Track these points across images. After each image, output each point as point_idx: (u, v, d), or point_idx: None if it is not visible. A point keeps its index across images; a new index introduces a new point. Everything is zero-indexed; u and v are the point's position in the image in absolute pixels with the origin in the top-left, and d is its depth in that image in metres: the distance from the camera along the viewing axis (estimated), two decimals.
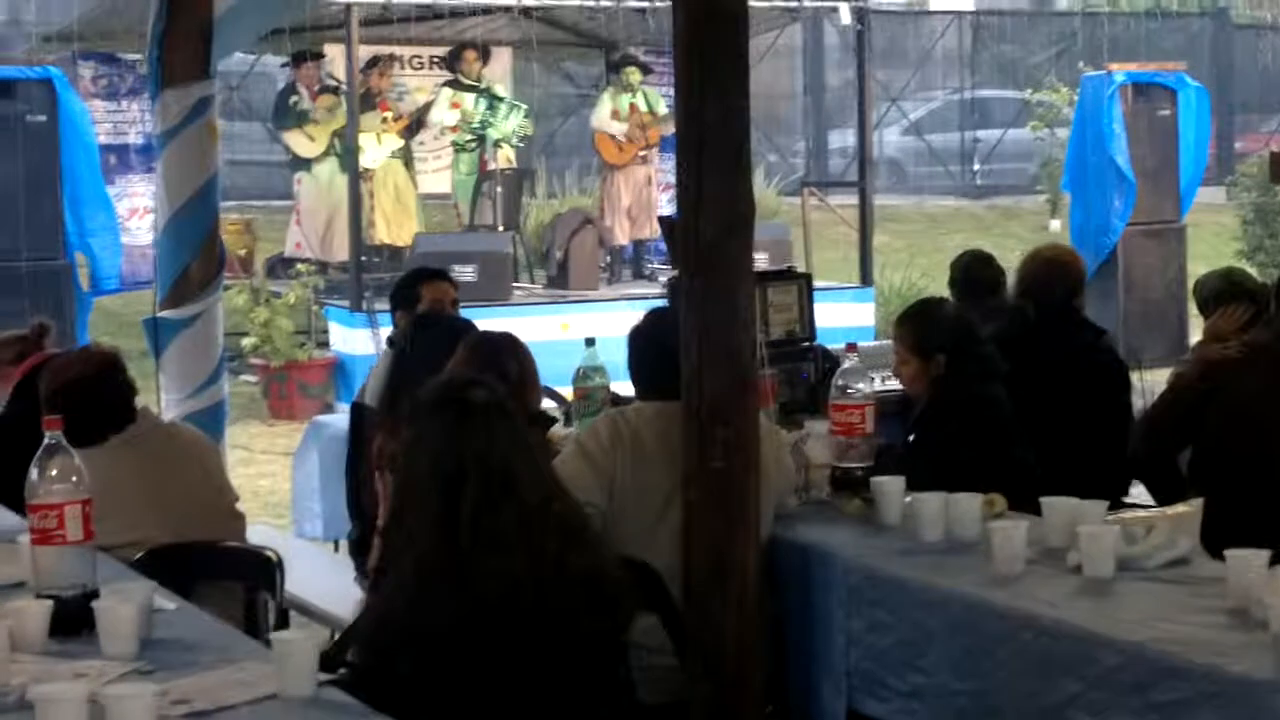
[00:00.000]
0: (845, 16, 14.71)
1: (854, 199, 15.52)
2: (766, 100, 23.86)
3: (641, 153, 15.12)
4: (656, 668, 4.46)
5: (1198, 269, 7.63)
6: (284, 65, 15.89)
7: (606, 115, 15.40)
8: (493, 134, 14.92)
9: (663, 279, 13.55)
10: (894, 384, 6.03)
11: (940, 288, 7.19)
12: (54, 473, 3.63)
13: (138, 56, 12.15)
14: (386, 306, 12.30)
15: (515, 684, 3.38)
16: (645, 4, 14.42)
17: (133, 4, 11.99)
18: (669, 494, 4.59)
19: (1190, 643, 3.63)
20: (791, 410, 5.99)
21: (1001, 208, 23.23)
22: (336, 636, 5.16)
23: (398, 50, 15.88)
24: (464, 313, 6.96)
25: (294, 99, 15.06)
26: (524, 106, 15.49)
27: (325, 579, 6.46)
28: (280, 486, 9.75)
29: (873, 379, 6.62)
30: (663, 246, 14.79)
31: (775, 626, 4.73)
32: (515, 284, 14.06)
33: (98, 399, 4.95)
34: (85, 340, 11.75)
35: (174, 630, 3.70)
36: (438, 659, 3.36)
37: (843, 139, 23.48)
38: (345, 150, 14.14)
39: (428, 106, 15.32)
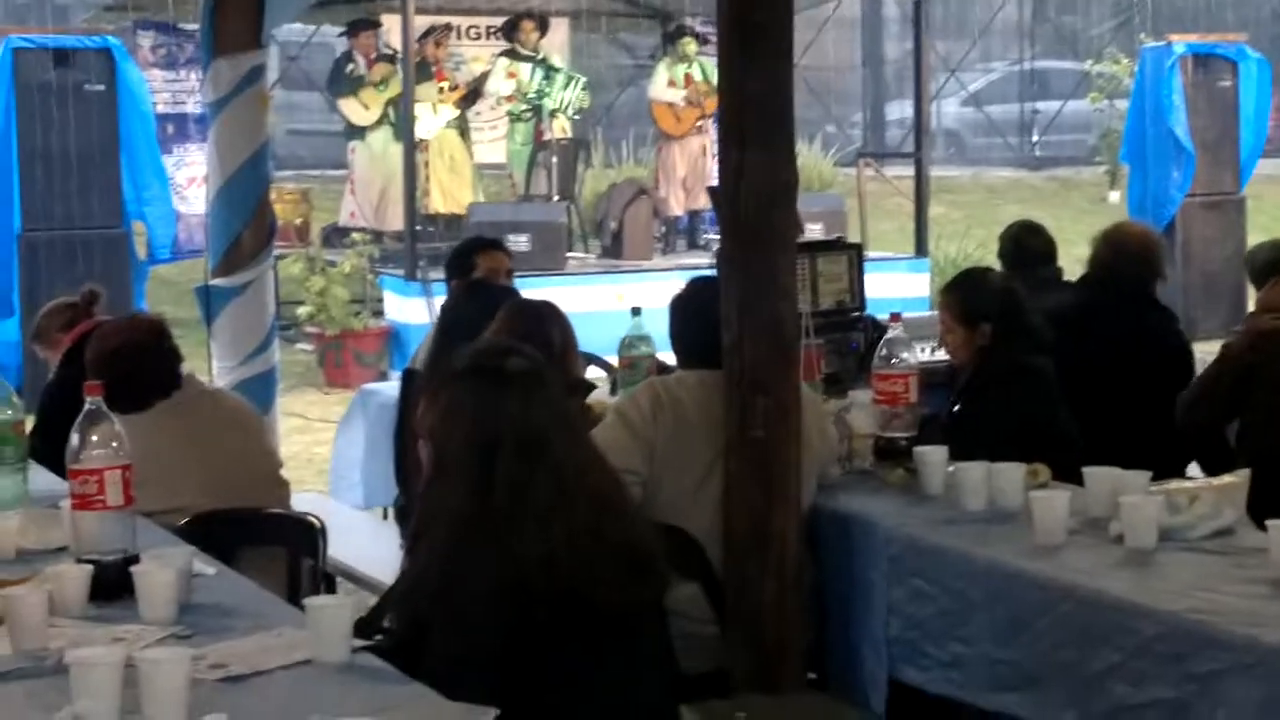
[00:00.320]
0: None
1: (911, 170, 15.46)
2: (825, 71, 23.78)
3: (698, 123, 15.09)
4: (696, 636, 4.46)
5: (1257, 241, 7.56)
6: (341, 34, 15.93)
7: (663, 85, 15.39)
8: (548, 104, 14.92)
9: (716, 249, 13.52)
10: (943, 354, 6.00)
11: (996, 259, 7.15)
12: (94, 438, 3.64)
13: (196, 26, 12.20)
14: (441, 275, 12.44)
15: (550, 652, 3.38)
16: None
17: None
18: (710, 463, 4.59)
19: (1229, 613, 3.60)
20: (840, 380, 5.97)
21: (1060, 179, 23.08)
22: None
23: (454, 20, 15.89)
24: (517, 282, 6.98)
25: (350, 66, 15.11)
26: (582, 79, 15.46)
27: (373, 546, 6.49)
28: None
29: (922, 349, 6.63)
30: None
31: (816, 595, 4.73)
32: (569, 254, 14.06)
33: (142, 365, 4.98)
34: (143, 308, 11.85)
35: (213, 595, 3.72)
36: (472, 626, 3.36)
37: (901, 110, 23.35)
38: (399, 119, 14.17)
39: (484, 76, 15.33)
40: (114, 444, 3.65)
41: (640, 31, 19.10)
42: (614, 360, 6.34)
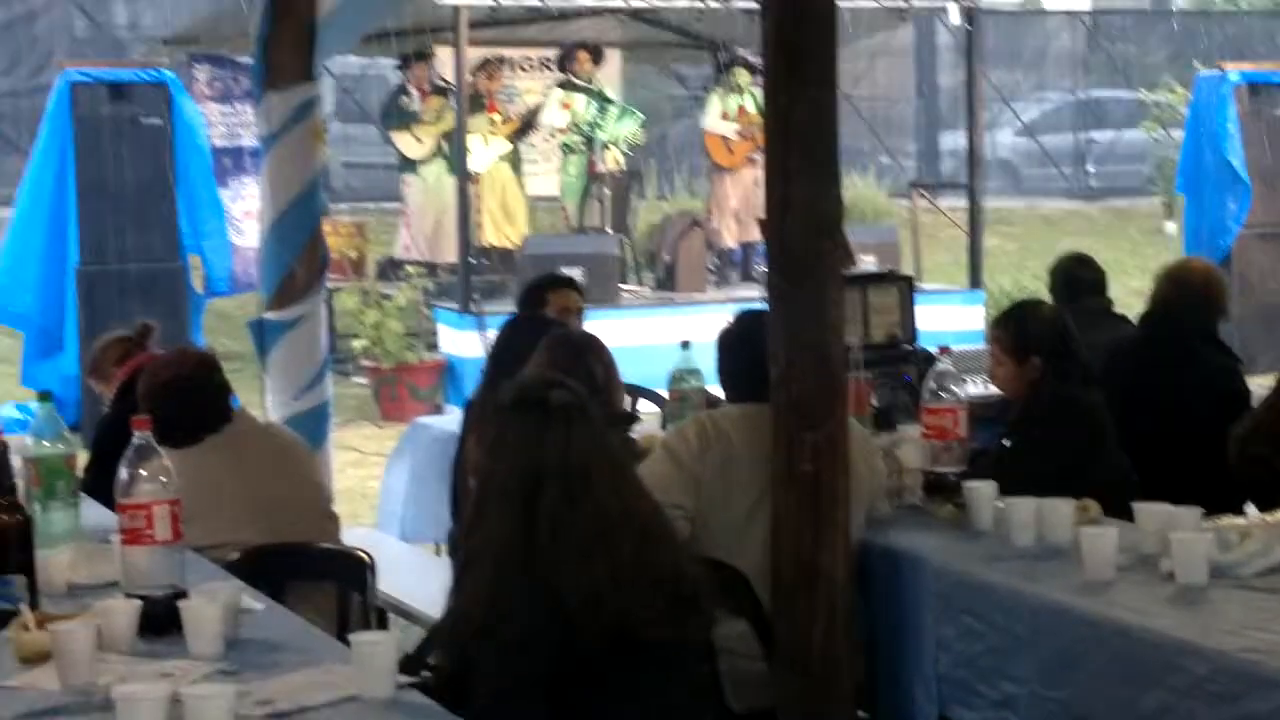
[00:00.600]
0: (954, 16, 14.62)
1: (965, 201, 15.42)
2: (877, 102, 23.77)
3: (751, 155, 15.08)
4: (744, 672, 4.45)
5: None
6: (397, 67, 16.02)
7: (716, 116, 15.39)
8: (601, 136, 14.94)
9: None
10: (995, 388, 5.97)
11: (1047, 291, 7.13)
12: (143, 473, 3.66)
13: (250, 59, 12.31)
14: (495, 308, 12.47)
15: (594, 687, 3.38)
16: (754, 5, 14.38)
17: (248, 7, 12.15)
18: (758, 498, 4.58)
19: None
20: (891, 414, 5.95)
21: (1116, 210, 22.98)
22: None
23: (507, 52, 15.95)
24: None
25: (403, 99, 15.17)
26: (639, 115, 15.48)
27: (425, 580, 6.49)
28: None
29: (974, 383, 6.60)
30: None
31: (865, 632, 4.71)
32: (623, 286, 14.06)
33: (192, 400, 5.01)
34: (200, 341, 11.91)
35: (260, 631, 3.73)
36: (517, 660, 3.36)
37: (955, 140, 23.31)
38: (453, 152, 14.22)
39: (538, 108, 15.37)
40: (162, 478, 3.67)
41: (693, 62, 19.13)
42: (666, 393, 6.34)
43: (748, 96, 15.07)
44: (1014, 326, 5.43)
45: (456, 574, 3.56)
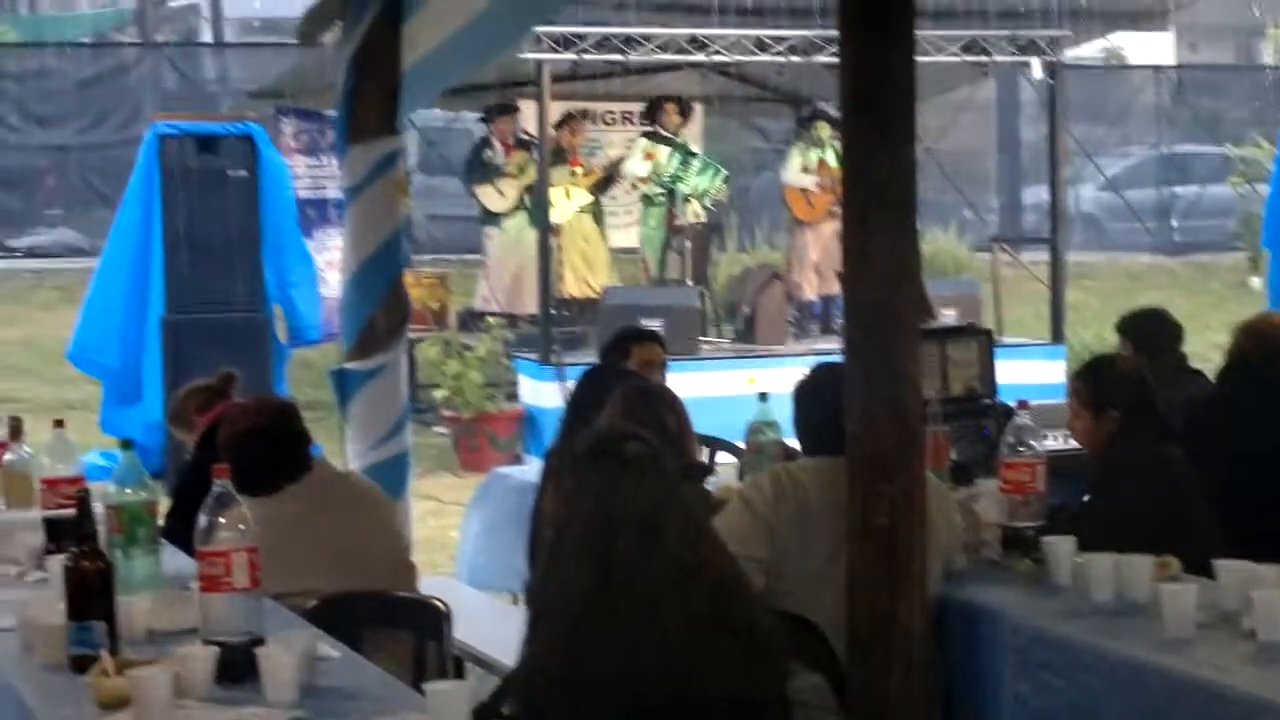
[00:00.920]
0: (1037, 71, 14.59)
1: (1047, 255, 15.35)
2: (960, 156, 23.72)
3: (831, 208, 15.07)
4: None
5: None
6: (480, 119, 16.13)
7: (796, 170, 15.41)
8: (682, 189, 14.98)
9: None
10: (1075, 442, 5.94)
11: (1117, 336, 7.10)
12: (222, 520, 3.70)
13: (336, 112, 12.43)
14: (575, 359, 12.51)
15: None
16: (835, 59, 14.39)
17: (334, 61, 12.28)
18: (833, 551, 4.57)
19: None
20: (969, 468, 5.92)
21: (1199, 264, 22.83)
22: None
23: (590, 105, 16.05)
24: None
25: (487, 153, 15.26)
26: (722, 171, 15.51)
27: (502, 629, 6.49)
28: None
29: (1054, 437, 6.56)
30: None
31: (941, 686, 4.68)
32: (703, 338, 14.08)
33: (272, 449, 5.05)
34: (283, 391, 12.00)
35: (336, 679, 3.75)
36: (591, 711, 3.37)
37: (1038, 195, 23.22)
38: (534, 205, 14.30)
39: (620, 160, 15.45)
40: (241, 526, 3.71)
41: (775, 116, 19.16)
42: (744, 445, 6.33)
43: (829, 150, 15.07)
44: (1092, 379, 5.41)
45: (530, 623, 3.56)
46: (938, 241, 20.21)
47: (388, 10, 7.09)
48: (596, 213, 15.36)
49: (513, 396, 13.77)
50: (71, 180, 21.39)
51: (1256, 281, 19.66)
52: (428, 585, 5.78)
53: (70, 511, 4.08)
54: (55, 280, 19.54)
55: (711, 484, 5.89)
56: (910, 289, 4.52)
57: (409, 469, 7.59)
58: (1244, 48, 33.67)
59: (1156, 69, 25.46)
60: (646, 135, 15.38)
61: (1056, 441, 6.58)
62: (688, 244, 14.78)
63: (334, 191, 13.63)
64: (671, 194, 15.04)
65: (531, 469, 7.37)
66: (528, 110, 15.10)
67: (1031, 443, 4.98)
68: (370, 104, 7.27)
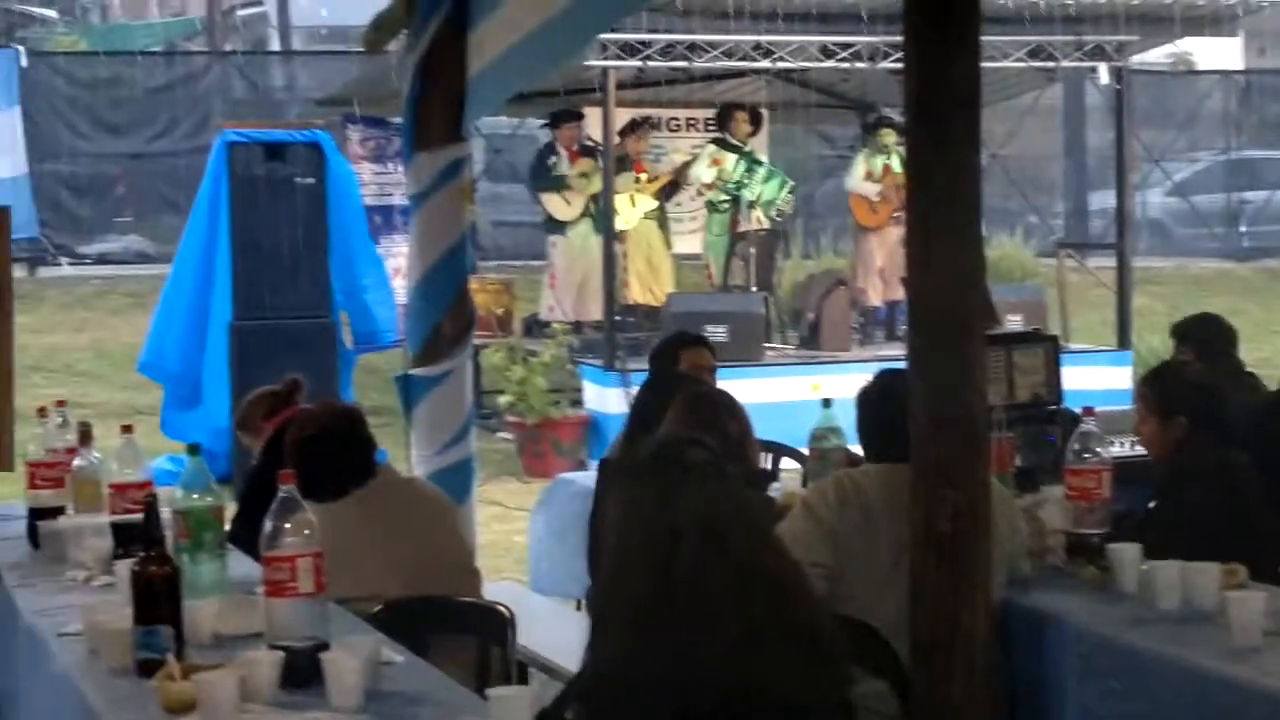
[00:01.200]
0: (1104, 76, 14.51)
1: (1114, 260, 15.27)
2: (1026, 161, 23.63)
3: (895, 214, 15.04)
4: None
5: None
6: (543, 125, 16.16)
7: (860, 176, 15.38)
8: (747, 195, 14.98)
9: None
10: (1142, 449, 5.91)
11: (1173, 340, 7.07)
12: (287, 526, 3.73)
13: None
14: (640, 366, 12.52)
15: None
16: (900, 65, 14.36)
17: (400, 68, 12.35)
18: (896, 557, 4.56)
19: None
20: (1035, 474, 5.90)
21: (1269, 270, 22.66)
22: None
23: (655, 112, 16.06)
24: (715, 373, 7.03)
25: (552, 159, 15.28)
26: (789, 182, 15.51)
27: (566, 635, 6.52)
28: None
29: (1121, 444, 6.54)
30: None
31: (1006, 693, 4.66)
32: (767, 344, 14.07)
33: (337, 454, 5.08)
34: (349, 396, 12.06)
35: (400, 684, 3.77)
36: (653, 716, 3.37)
37: (1104, 200, 23.11)
38: (599, 212, 14.32)
39: (686, 165, 15.47)
40: (306, 531, 3.73)
41: (840, 122, 19.13)
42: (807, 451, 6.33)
43: (894, 156, 15.02)
44: (1159, 385, 5.39)
45: (593, 629, 3.57)
46: (1004, 247, 20.14)
47: (453, 18, 7.11)
48: (661, 219, 15.36)
49: (577, 403, 13.80)
50: (141, 188, 21.57)
51: None
52: (492, 591, 5.79)
53: (138, 516, 4.11)
54: (125, 287, 19.73)
55: (775, 490, 5.89)
56: (974, 295, 4.50)
57: (473, 475, 7.61)
58: None
59: (1224, 74, 25.30)
60: (715, 142, 15.39)
61: (1123, 448, 6.56)
62: (752, 250, 14.77)
63: (400, 199, 13.70)
64: (736, 200, 15.04)
65: (594, 475, 7.39)
66: (592, 117, 15.13)
67: (1097, 449, 4.96)
68: (436, 111, 7.29)
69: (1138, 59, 16.92)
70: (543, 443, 13.09)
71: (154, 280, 18.74)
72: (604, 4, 5.80)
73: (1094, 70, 14.67)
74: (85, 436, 5.55)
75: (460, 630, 4.87)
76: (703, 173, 15.19)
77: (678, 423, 4.99)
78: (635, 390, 7.02)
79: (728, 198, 15.09)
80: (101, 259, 21.09)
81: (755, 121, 15.55)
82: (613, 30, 12.91)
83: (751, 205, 14.96)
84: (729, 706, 3.36)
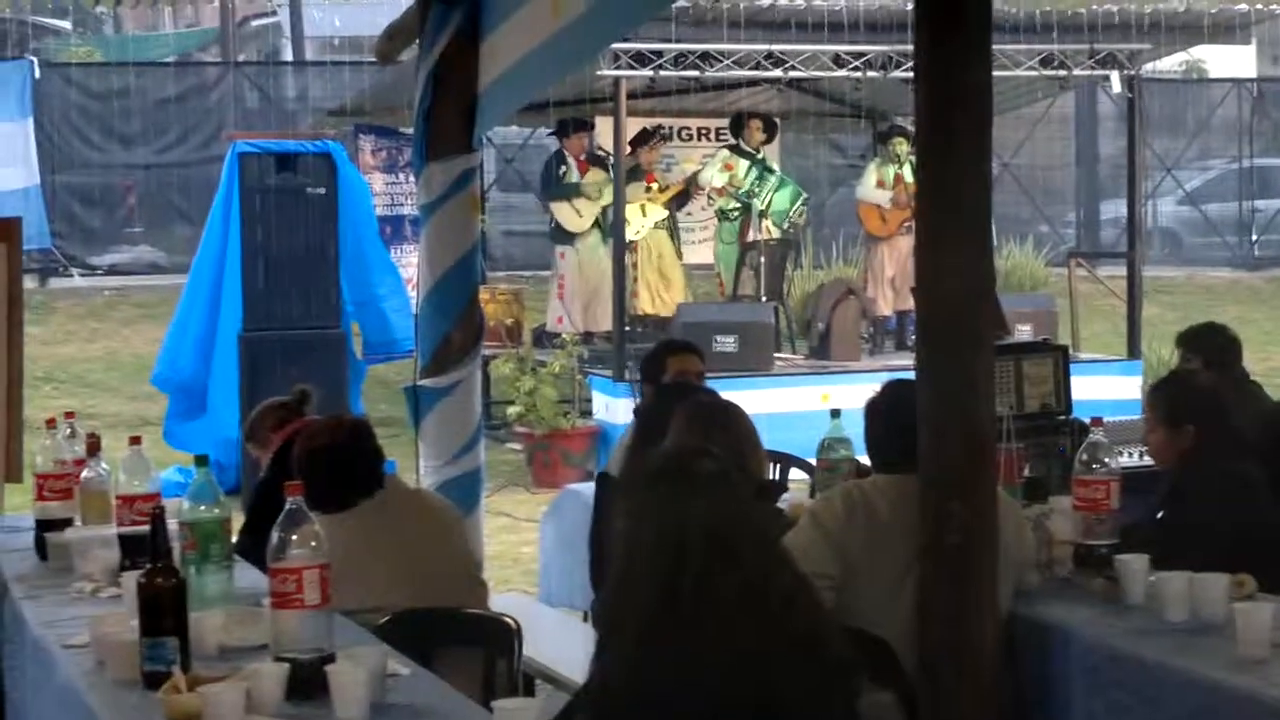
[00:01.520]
0: (1116, 85, 14.50)
1: (1125, 270, 15.26)
2: (1037, 170, 23.61)
3: (906, 224, 15.03)
4: None
5: None
6: (550, 134, 16.16)
7: (872, 185, 15.38)
8: (757, 204, 14.98)
9: None
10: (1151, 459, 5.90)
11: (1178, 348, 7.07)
12: (294, 538, 3.72)
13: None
14: None
15: None
16: (912, 74, 14.33)
17: (412, 78, 12.37)
18: (904, 569, 4.56)
19: None
20: (1044, 485, 5.88)
21: None
22: None
23: (666, 121, 16.06)
24: (724, 383, 7.01)
25: (562, 169, 15.28)
26: (803, 194, 15.51)
27: (573, 647, 6.51)
28: None
29: (1130, 454, 6.52)
30: None
31: (1014, 704, 4.65)
32: (777, 355, 14.06)
33: (345, 466, 5.08)
34: (359, 407, 12.07)
35: (406, 695, 3.77)
36: None
37: (1116, 209, 23.09)
38: (608, 224, 14.32)
39: (700, 169, 15.48)
40: (313, 543, 3.73)
41: (851, 131, 19.13)
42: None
43: (906, 165, 15.02)
44: (1167, 394, 5.39)
45: (599, 641, 3.57)
46: (1014, 256, 20.12)
47: (465, 29, 7.12)
48: (672, 229, 15.37)
49: (586, 413, 13.80)
50: (153, 198, 21.61)
51: None
52: (499, 602, 5.79)
53: (145, 528, 4.11)
54: (136, 297, 19.76)
55: (784, 501, 5.88)
56: (983, 305, 4.50)
57: (481, 485, 7.61)
58: None
59: (1237, 82, 25.25)
60: (728, 148, 15.40)
61: (1133, 458, 6.54)
62: (762, 260, 14.77)
63: (411, 209, 13.73)
64: (746, 209, 15.03)
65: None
66: (604, 127, 15.13)
67: (1105, 460, 4.95)
68: (447, 121, 7.30)
69: (1150, 67, 16.92)
70: (552, 453, 13.09)
71: (165, 291, 18.82)
72: (615, 14, 5.79)
73: (1106, 79, 14.66)
74: (94, 448, 5.55)
75: (466, 642, 4.86)
76: (714, 176, 15.20)
77: (682, 434, 4.98)
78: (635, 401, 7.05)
79: (738, 206, 15.09)
80: (113, 270, 21.13)
81: (769, 130, 15.55)
82: (625, 40, 12.91)
83: (762, 214, 14.95)
84: (736, 718, 3.35)
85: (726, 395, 6.16)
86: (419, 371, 7.46)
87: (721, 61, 13.61)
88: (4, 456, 7.79)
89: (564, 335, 14.16)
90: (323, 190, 12.16)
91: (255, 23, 32.98)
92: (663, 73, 13.56)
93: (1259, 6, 15.44)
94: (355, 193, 12.75)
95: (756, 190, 15.03)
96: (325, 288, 12.11)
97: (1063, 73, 14.51)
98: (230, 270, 12.10)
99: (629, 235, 14.23)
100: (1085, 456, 4.97)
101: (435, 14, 7.23)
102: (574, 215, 15.13)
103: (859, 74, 13.99)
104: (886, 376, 5.39)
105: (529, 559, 10.13)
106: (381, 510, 5.10)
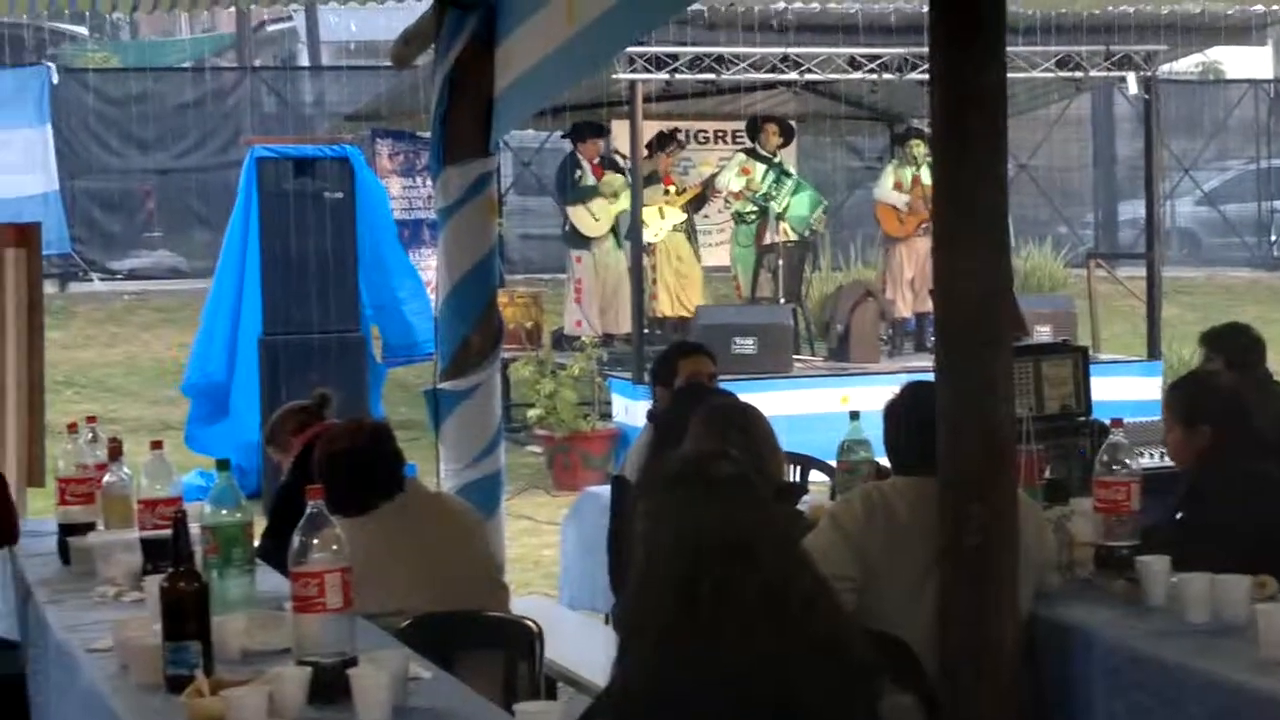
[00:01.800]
0: (1133, 86, 14.49)
1: (1144, 270, 15.24)
2: (1055, 171, 23.59)
3: (924, 225, 15.03)
4: None
5: None
6: (563, 136, 16.17)
7: (889, 187, 15.38)
8: (774, 208, 14.98)
9: None
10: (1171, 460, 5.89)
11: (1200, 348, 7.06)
12: (316, 541, 3.73)
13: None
14: None
15: None
16: (927, 76, 14.33)
17: (429, 83, 12.40)
18: (924, 571, 4.56)
19: None
20: (1065, 486, 5.88)
21: None
22: None
23: (683, 125, 16.07)
24: (743, 385, 7.02)
25: (578, 173, 15.28)
26: (816, 194, 15.51)
27: (595, 650, 6.52)
28: None
29: (1150, 455, 6.51)
30: None
31: (1034, 706, 4.65)
32: (796, 356, 14.06)
33: (365, 469, 5.10)
34: (379, 411, 12.09)
35: (428, 699, 3.78)
36: None
37: (1134, 210, 23.06)
38: (629, 225, 14.33)
39: (716, 173, 15.48)
40: (334, 547, 3.74)
41: (869, 134, 19.13)
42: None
43: (924, 167, 15.01)
44: (1184, 394, 5.38)
45: (620, 644, 3.57)
46: (1033, 258, 20.10)
47: (481, 33, 7.14)
48: (690, 232, 15.38)
49: (606, 416, 13.80)
50: (171, 203, 21.66)
51: None
52: (520, 605, 5.80)
53: (167, 532, 4.13)
54: (155, 302, 19.81)
55: (804, 503, 5.88)
56: (1001, 307, 4.50)
57: (501, 488, 7.63)
58: None
59: (1254, 83, 25.21)
60: (745, 152, 15.40)
61: (1153, 459, 6.53)
62: (780, 262, 14.77)
63: (428, 213, 13.75)
64: (763, 212, 15.04)
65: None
66: (620, 130, 15.14)
67: (1126, 461, 4.94)
68: (464, 126, 7.32)
69: (1166, 68, 16.89)
70: (572, 456, 13.10)
71: (185, 295, 18.88)
72: (630, 18, 5.81)
73: (1123, 80, 14.64)
74: (115, 452, 5.57)
75: (488, 645, 4.87)
76: (731, 181, 15.21)
77: (701, 437, 4.98)
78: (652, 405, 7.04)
79: (755, 209, 15.10)
80: (132, 274, 21.18)
81: (786, 134, 15.56)
82: (640, 43, 12.93)
83: (779, 217, 14.95)
84: None
85: (745, 397, 6.17)
86: (438, 375, 7.48)
87: (737, 64, 13.62)
88: (26, 461, 7.84)
89: (583, 338, 14.17)
90: (340, 194, 12.17)
91: (271, 28, 33.03)
92: (678, 76, 13.58)
93: (1275, 7, 15.40)
94: (373, 197, 12.77)
95: (774, 194, 15.03)
96: (344, 291, 12.12)
97: (1079, 74, 14.50)
98: (250, 275, 12.13)
99: (647, 238, 14.23)
100: (1105, 458, 4.96)
101: (451, 19, 7.25)
102: (590, 220, 15.13)
103: (874, 76, 13.98)
104: (906, 378, 5.39)
105: (550, 562, 10.14)
106: (402, 514, 5.11)
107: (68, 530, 5.58)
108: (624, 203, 14.69)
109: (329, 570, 3.72)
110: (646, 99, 13.86)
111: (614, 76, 13.35)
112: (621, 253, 14.73)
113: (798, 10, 13.80)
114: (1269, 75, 27.56)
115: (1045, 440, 5.79)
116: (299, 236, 11.98)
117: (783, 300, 14.62)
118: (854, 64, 13.88)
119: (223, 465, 4.46)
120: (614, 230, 15.02)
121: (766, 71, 13.87)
